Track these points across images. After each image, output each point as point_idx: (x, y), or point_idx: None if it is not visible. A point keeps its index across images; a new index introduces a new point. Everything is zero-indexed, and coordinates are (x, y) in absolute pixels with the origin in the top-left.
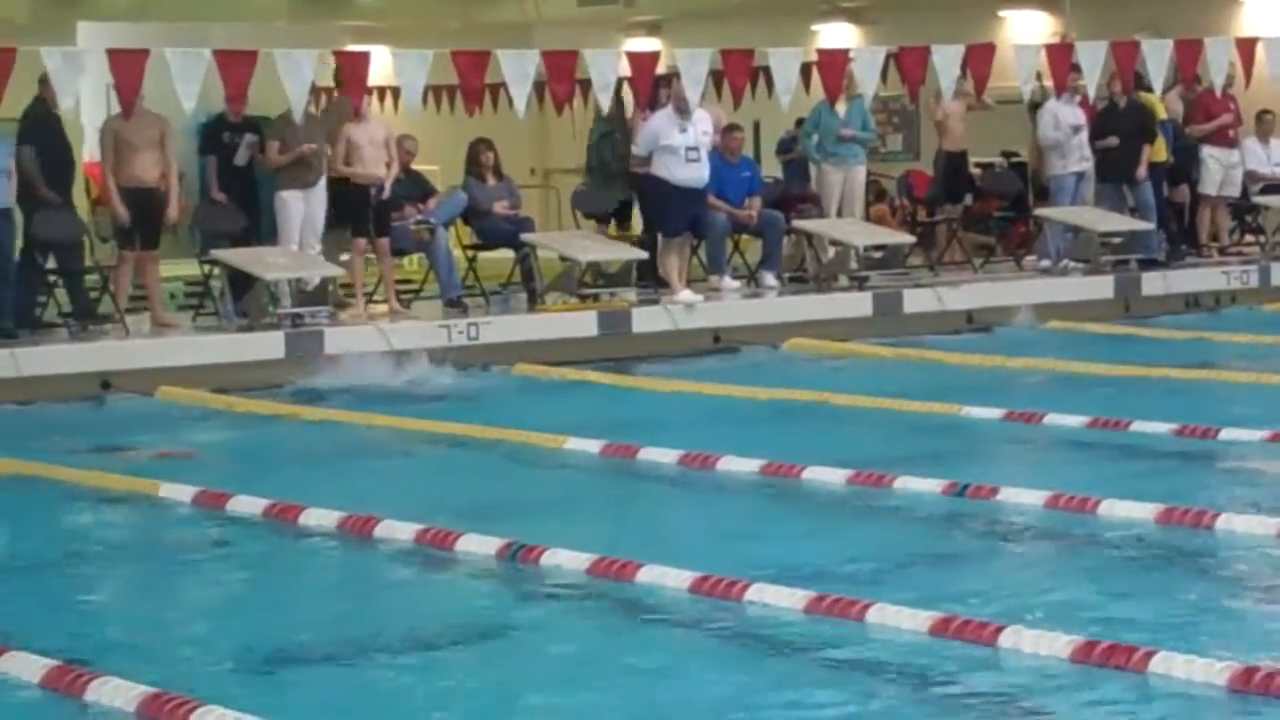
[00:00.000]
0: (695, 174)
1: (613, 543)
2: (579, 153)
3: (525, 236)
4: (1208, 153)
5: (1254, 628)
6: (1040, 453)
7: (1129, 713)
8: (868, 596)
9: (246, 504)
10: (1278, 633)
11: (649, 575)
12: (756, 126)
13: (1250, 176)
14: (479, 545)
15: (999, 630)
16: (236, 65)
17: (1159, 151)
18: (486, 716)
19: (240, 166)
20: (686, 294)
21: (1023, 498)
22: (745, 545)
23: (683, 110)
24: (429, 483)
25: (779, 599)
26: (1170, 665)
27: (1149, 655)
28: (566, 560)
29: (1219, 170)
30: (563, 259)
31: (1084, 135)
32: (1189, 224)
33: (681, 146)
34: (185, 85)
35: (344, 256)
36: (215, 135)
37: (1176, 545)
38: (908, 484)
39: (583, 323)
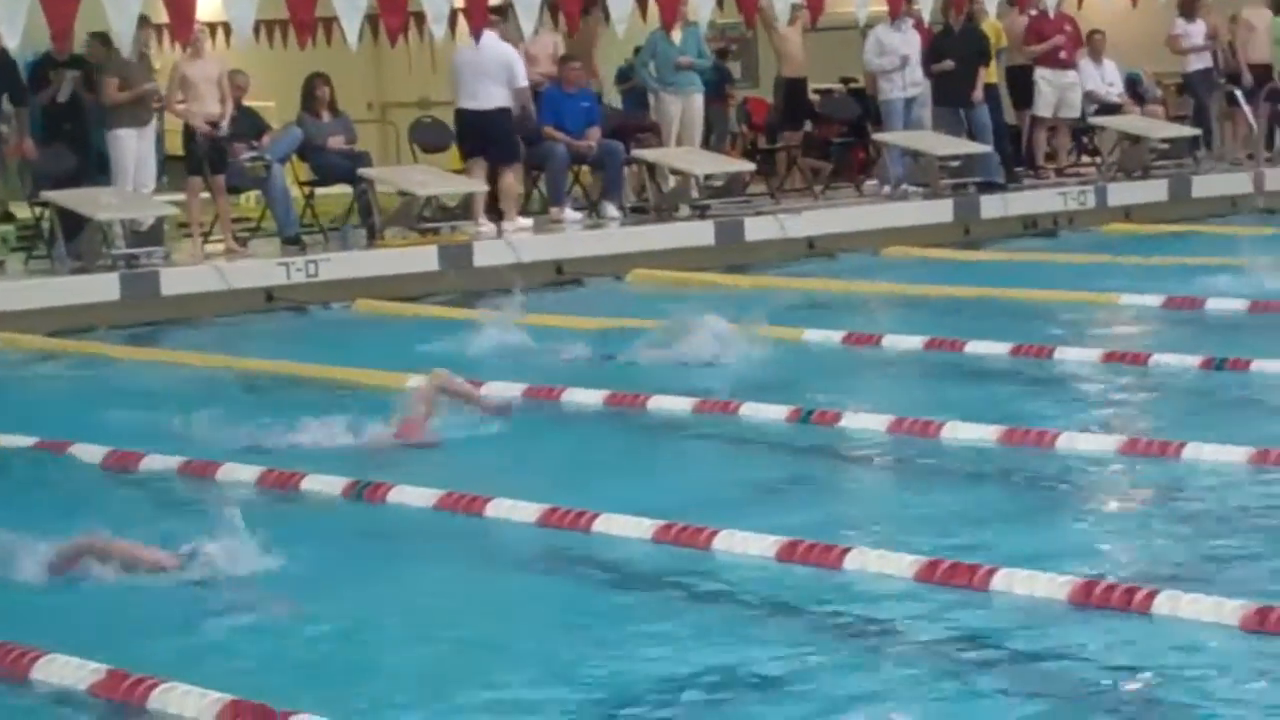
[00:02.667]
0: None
1: (461, 478)
2: (416, 86)
3: (363, 171)
4: (1040, 74)
5: (1094, 543)
6: (881, 376)
7: (972, 629)
8: (715, 524)
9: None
10: (1117, 547)
11: (497, 509)
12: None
13: (1086, 97)
14: (323, 485)
15: (845, 552)
16: (60, 1)
17: (993, 73)
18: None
19: (68, 105)
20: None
21: (866, 422)
22: (592, 477)
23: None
24: (268, 423)
25: (625, 529)
26: (1012, 582)
27: (990, 573)
28: (412, 498)
29: (1052, 92)
30: (401, 193)
31: (915, 60)
32: (1025, 146)
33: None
34: (7, 22)
35: (180, 195)
36: (43, 74)
37: (1018, 465)
38: (753, 411)
39: (423, 257)
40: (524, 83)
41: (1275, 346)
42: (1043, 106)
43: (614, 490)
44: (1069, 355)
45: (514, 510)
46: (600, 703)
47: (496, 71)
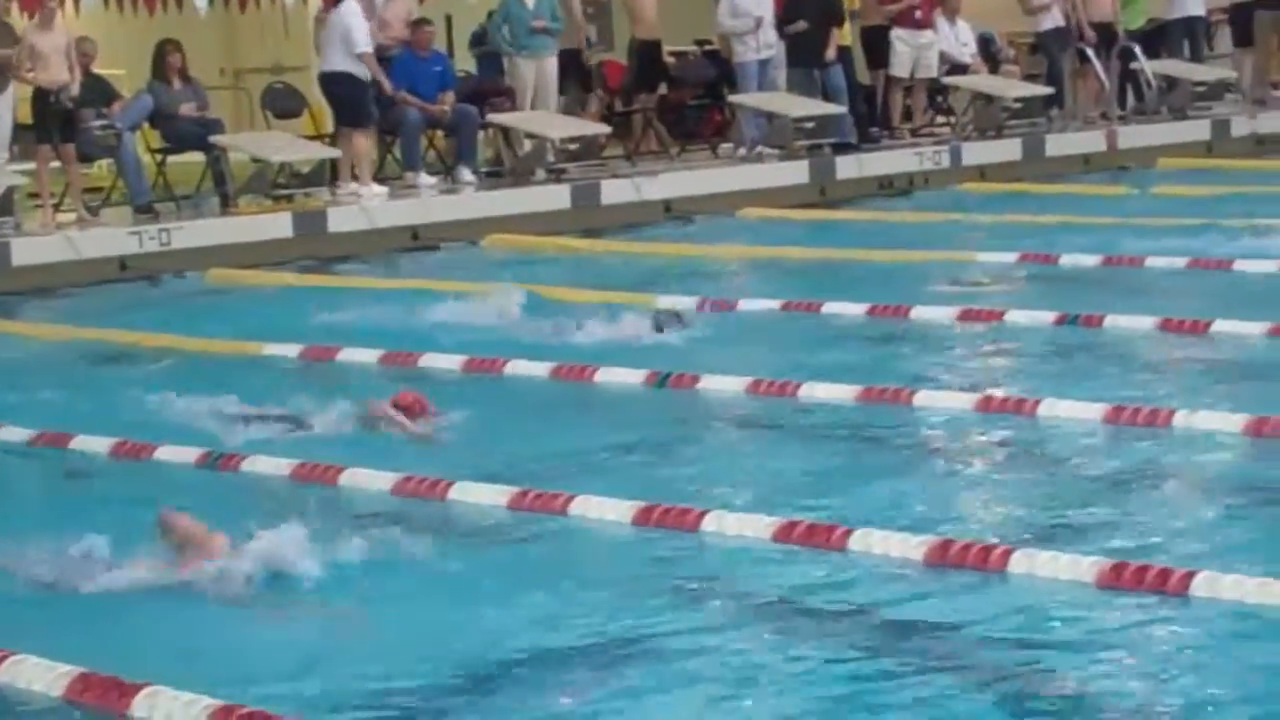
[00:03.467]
0: None
1: (317, 448)
2: (269, 52)
3: (215, 138)
4: (896, 35)
5: (951, 502)
6: (739, 338)
7: (830, 589)
8: (573, 490)
9: None
10: (974, 506)
11: (351, 479)
12: (449, 20)
13: (941, 57)
14: (174, 454)
15: (702, 515)
16: None
17: (846, 34)
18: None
19: None
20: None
21: (723, 384)
22: (448, 443)
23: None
24: (124, 396)
25: (481, 496)
26: (869, 542)
27: (847, 533)
28: (266, 466)
29: (908, 52)
30: (254, 160)
31: (769, 22)
32: (882, 106)
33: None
34: None
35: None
36: None
37: (876, 424)
38: (610, 375)
39: (277, 224)
40: (362, 48)
41: (1127, 302)
42: (898, 66)
43: (469, 457)
44: (925, 314)
45: (371, 479)
46: (456, 670)
47: (337, 36)
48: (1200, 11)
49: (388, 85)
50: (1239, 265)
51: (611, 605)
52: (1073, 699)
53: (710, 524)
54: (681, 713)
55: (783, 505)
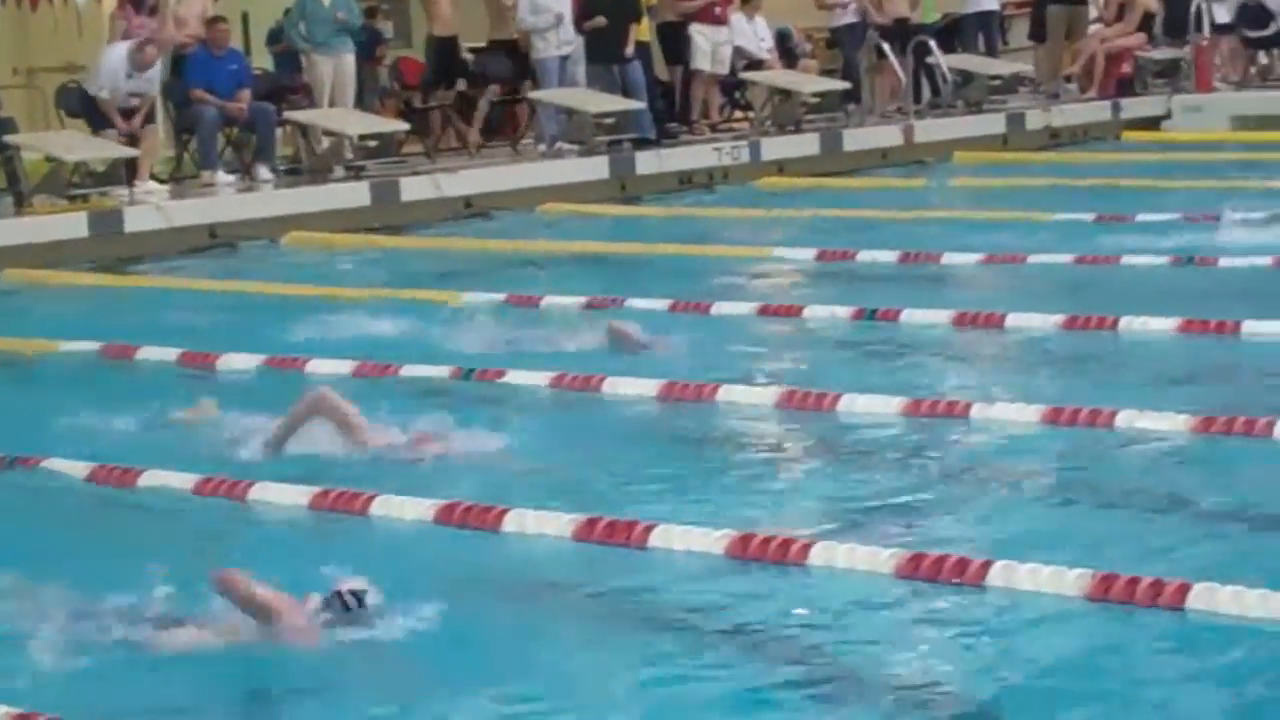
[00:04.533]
0: None
1: (117, 449)
2: (62, 50)
3: (8, 138)
4: (696, 30)
5: (752, 497)
6: (543, 334)
7: (631, 586)
8: (372, 489)
9: None
10: (775, 500)
11: (151, 479)
12: (245, 17)
13: (738, 53)
14: None
15: (503, 514)
16: None
17: (645, 30)
18: None
19: None
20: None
21: (527, 379)
22: (251, 443)
23: None
24: None
25: (282, 496)
26: (669, 537)
27: (648, 529)
28: (65, 468)
29: (707, 47)
30: (49, 159)
31: (568, 18)
32: (681, 102)
33: None
34: None
35: None
36: None
37: (678, 420)
38: (413, 371)
39: (72, 224)
40: (95, 92)
41: (924, 296)
42: (699, 61)
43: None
44: (726, 309)
45: (169, 479)
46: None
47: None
48: (994, 6)
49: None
50: (1034, 258)
51: (412, 603)
52: (874, 689)
53: (511, 524)
54: (492, 712)
55: (585, 502)
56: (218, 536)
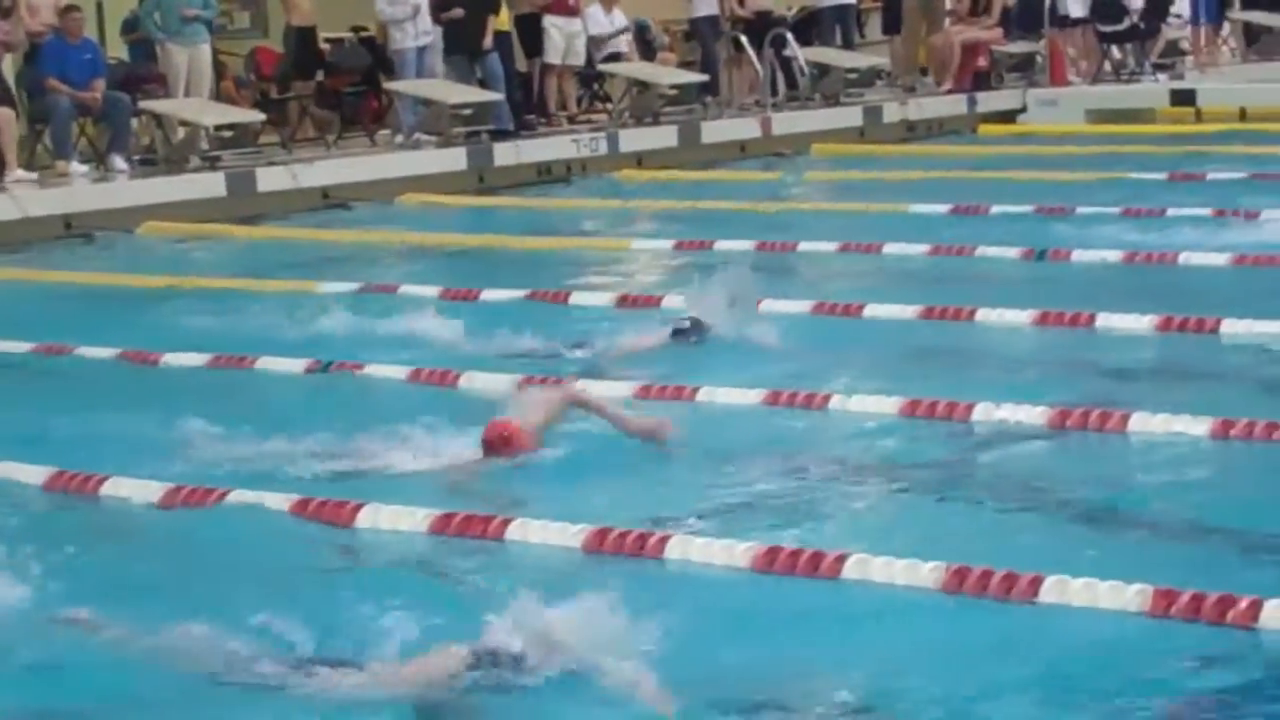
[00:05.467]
0: None
1: None
2: None
3: None
4: (550, 22)
5: (605, 491)
6: (400, 326)
7: (491, 581)
8: (224, 483)
9: None
10: (634, 493)
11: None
12: (100, 6)
13: (595, 44)
14: None
15: (358, 508)
16: None
17: (505, 21)
18: None
19: None
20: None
21: (387, 371)
22: (102, 436)
23: None
24: None
25: (132, 491)
26: (526, 532)
27: (505, 523)
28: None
29: (561, 39)
30: None
31: (426, 9)
32: (539, 94)
33: None
34: None
35: None
36: None
37: None
38: (268, 364)
39: None
40: None
41: (782, 287)
42: (552, 53)
43: (124, 452)
44: (584, 300)
45: (20, 471)
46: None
47: None
48: None
49: None
50: (890, 249)
51: (234, 590)
52: (733, 684)
53: (365, 519)
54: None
55: (440, 497)
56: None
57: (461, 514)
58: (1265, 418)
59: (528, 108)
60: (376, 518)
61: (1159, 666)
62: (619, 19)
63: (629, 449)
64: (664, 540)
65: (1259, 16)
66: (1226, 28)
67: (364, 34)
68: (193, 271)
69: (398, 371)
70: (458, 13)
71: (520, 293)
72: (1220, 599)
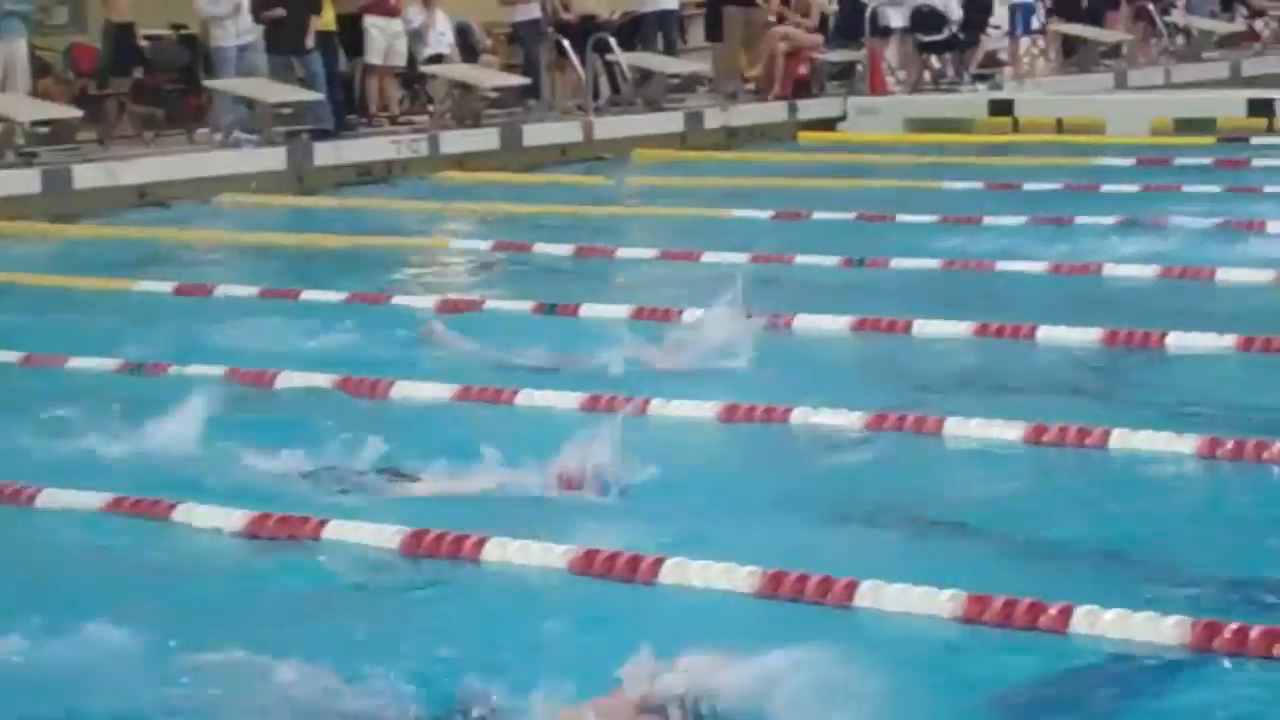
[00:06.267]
0: None
1: None
2: None
3: None
4: (371, 22)
5: (426, 492)
6: (217, 326)
7: (306, 580)
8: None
9: None
10: (449, 496)
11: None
12: None
13: (418, 45)
14: None
15: (172, 507)
16: None
17: (328, 21)
18: None
19: None
20: None
21: (202, 371)
22: None
23: None
24: None
25: None
26: (343, 531)
27: (322, 524)
28: None
29: (382, 40)
30: None
31: (247, 7)
32: (360, 94)
33: None
34: None
35: None
36: None
37: (353, 413)
38: (77, 364)
39: None
40: None
41: (602, 291)
42: (373, 54)
43: None
44: (405, 301)
45: None
46: None
47: None
48: (673, 5)
49: None
50: (709, 256)
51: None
52: (544, 685)
53: (180, 516)
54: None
55: (260, 492)
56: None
57: (277, 515)
58: (1078, 423)
59: (349, 108)
60: (191, 516)
61: (972, 671)
62: (442, 21)
63: (446, 451)
64: (481, 542)
65: (1076, 29)
66: (1044, 39)
67: (184, 31)
68: (6, 269)
69: (213, 371)
70: (279, 12)
71: (340, 294)
72: (1031, 605)
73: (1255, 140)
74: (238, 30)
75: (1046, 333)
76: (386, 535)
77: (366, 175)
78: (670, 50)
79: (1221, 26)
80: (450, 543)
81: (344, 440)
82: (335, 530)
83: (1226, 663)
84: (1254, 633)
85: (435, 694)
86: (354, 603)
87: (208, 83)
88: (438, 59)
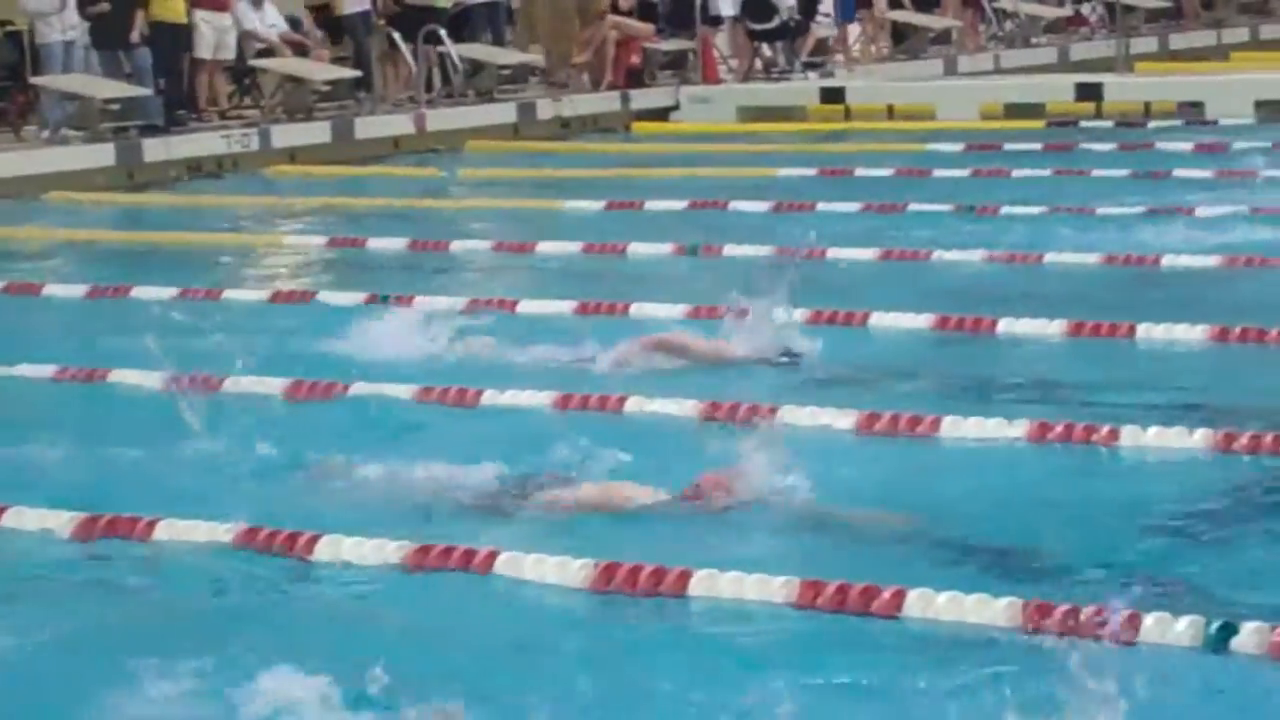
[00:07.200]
0: None
1: None
2: None
3: None
4: (200, 17)
5: (257, 487)
6: (47, 325)
7: (135, 579)
8: None
9: None
10: (291, 491)
11: None
12: None
13: (248, 39)
14: None
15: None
16: None
17: (179, 13)
18: None
19: None
20: None
21: (30, 371)
22: None
23: None
24: None
25: None
26: (174, 531)
27: (152, 524)
28: None
29: (211, 34)
30: None
31: (72, 3)
32: (190, 88)
33: None
34: None
35: None
36: None
37: (185, 411)
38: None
39: None
40: None
41: (436, 284)
42: (202, 48)
43: None
44: (236, 297)
45: None
46: None
47: None
48: None
49: None
50: (543, 247)
51: None
52: (371, 677)
53: (10, 520)
54: None
55: (87, 495)
56: None
57: (108, 516)
58: (909, 410)
59: (179, 103)
60: (21, 521)
61: (806, 657)
62: (272, 13)
63: (280, 446)
64: (314, 540)
65: (906, 15)
66: (873, 26)
67: (9, 28)
68: None
69: (41, 371)
70: (104, 7)
71: (171, 290)
72: (865, 589)
73: (1084, 124)
74: (63, 26)
75: (878, 319)
76: (219, 533)
77: (197, 171)
78: (498, 41)
79: (1049, 11)
80: (283, 541)
81: (167, 441)
82: (165, 530)
83: (1057, 643)
84: (1084, 613)
85: None
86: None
87: (35, 79)
88: (267, 53)
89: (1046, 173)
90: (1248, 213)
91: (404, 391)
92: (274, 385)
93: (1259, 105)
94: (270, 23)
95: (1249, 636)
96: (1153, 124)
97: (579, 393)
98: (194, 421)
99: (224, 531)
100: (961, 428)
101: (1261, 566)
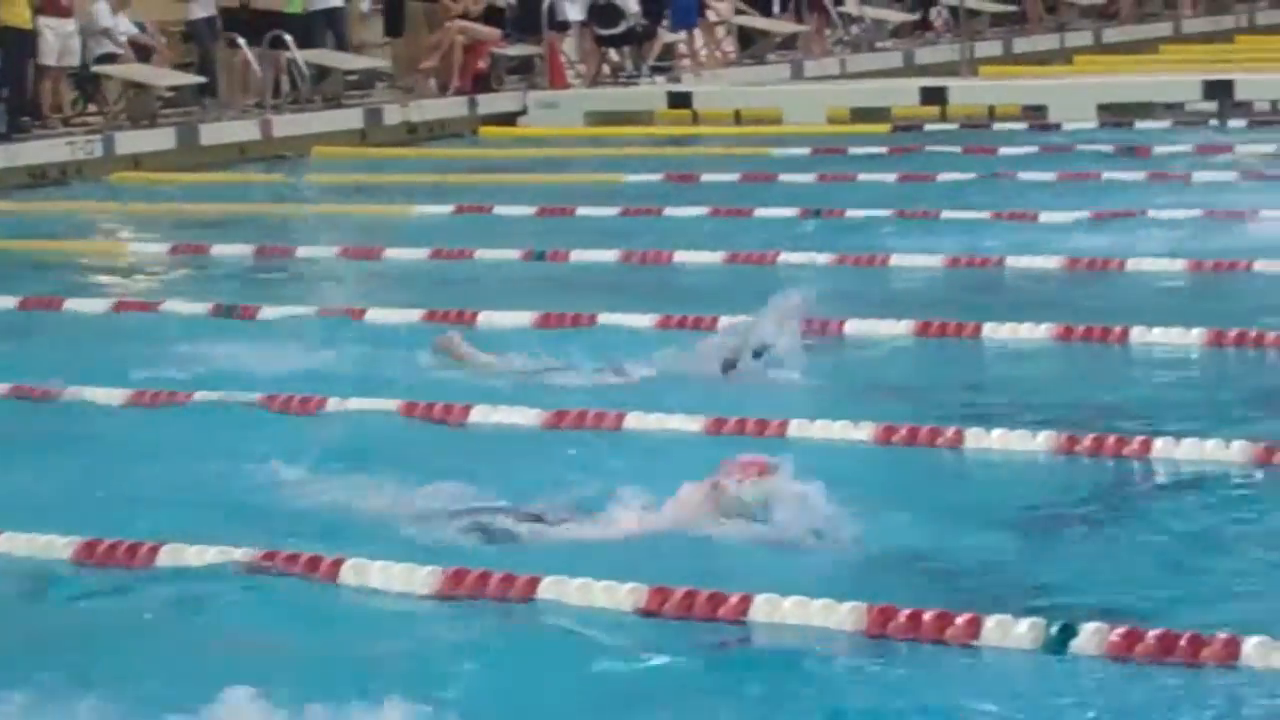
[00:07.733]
0: None
1: None
2: None
3: None
4: (45, 23)
5: (108, 497)
6: None
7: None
8: None
9: None
10: (132, 500)
11: None
12: None
13: (100, 39)
14: None
15: None
16: None
17: (23, 18)
18: None
19: None
20: None
21: None
22: None
23: None
24: None
25: None
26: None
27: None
28: None
29: (55, 40)
30: None
31: None
32: (32, 95)
33: None
34: None
35: None
36: None
37: (35, 419)
38: None
39: None
40: None
41: (282, 291)
42: (47, 55)
43: None
44: (79, 307)
45: None
46: None
47: None
48: (340, 2)
49: None
50: (391, 253)
51: None
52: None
53: None
54: None
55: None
56: None
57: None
58: (754, 416)
59: (21, 109)
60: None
61: (651, 664)
62: (123, 20)
63: (120, 455)
64: (155, 549)
65: (752, 20)
66: (721, 30)
67: None
68: None
69: None
70: None
71: (11, 300)
72: (712, 596)
73: (929, 128)
74: None
75: (727, 323)
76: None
77: (41, 178)
78: (341, 46)
79: (895, 16)
80: (124, 551)
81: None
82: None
83: (902, 647)
84: (927, 617)
85: None
86: None
87: None
88: (111, 58)
89: (892, 177)
90: (1090, 216)
91: (248, 398)
92: (114, 396)
93: (1101, 109)
94: (121, 30)
95: (1088, 638)
96: (997, 127)
97: (420, 401)
98: (44, 430)
99: (63, 546)
100: (809, 430)
101: (1103, 568)
